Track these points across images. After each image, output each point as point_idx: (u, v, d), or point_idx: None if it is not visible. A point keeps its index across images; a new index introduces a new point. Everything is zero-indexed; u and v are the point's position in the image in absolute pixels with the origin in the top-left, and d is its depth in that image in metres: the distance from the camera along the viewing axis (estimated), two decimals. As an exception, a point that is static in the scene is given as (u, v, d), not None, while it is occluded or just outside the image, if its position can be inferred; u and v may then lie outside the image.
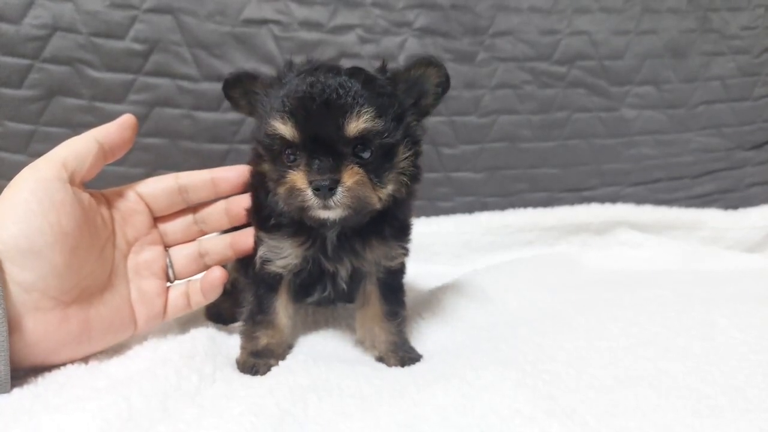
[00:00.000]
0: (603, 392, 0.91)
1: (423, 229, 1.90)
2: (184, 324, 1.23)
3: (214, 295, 1.17)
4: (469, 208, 2.05)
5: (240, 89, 1.13)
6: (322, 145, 0.97)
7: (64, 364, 0.99)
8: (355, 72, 1.02)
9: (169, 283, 1.18)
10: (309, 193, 0.96)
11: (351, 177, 0.96)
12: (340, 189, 0.96)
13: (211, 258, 1.20)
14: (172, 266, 1.17)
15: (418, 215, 1.97)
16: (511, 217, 2.01)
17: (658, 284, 1.52)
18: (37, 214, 0.92)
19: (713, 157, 2.23)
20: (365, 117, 0.95)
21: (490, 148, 2.04)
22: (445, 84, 1.08)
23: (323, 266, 1.13)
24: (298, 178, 0.98)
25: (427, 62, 1.06)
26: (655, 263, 1.86)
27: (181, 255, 1.19)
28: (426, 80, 1.07)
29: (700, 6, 2.12)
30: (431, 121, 1.93)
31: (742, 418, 0.84)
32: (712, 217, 2.14)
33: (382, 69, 1.08)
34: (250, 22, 1.82)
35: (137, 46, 1.76)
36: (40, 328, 0.93)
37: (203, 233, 1.22)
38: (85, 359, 1.02)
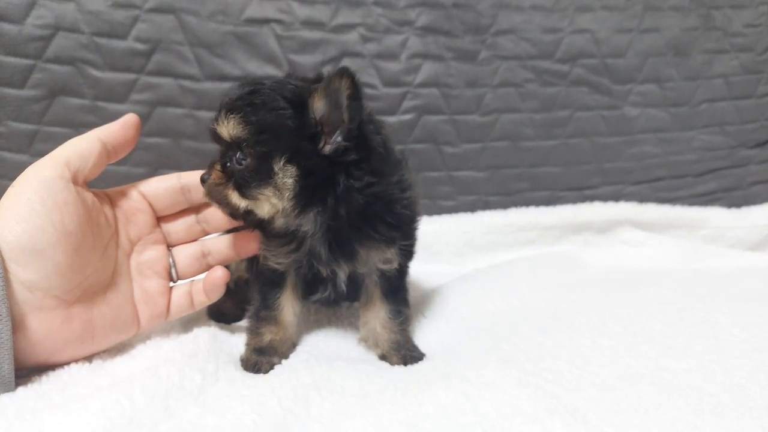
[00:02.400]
0: (605, 390, 0.92)
1: (425, 228, 1.87)
2: (187, 323, 1.23)
3: (217, 295, 1.17)
4: (471, 207, 2.05)
5: None
6: (221, 147, 1.08)
7: (67, 363, 0.99)
8: (257, 83, 1.04)
9: (172, 283, 1.18)
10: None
11: (213, 174, 1.07)
12: (206, 183, 1.08)
13: (214, 258, 1.20)
14: (175, 266, 1.18)
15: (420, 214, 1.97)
16: (513, 216, 2.01)
17: (660, 283, 1.52)
18: (40, 214, 0.92)
19: (716, 156, 2.23)
20: (231, 122, 1.01)
21: (492, 146, 2.04)
22: (354, 96, 0.97)
23: (319, 271, 1.14)
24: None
25: (340, 73, 0.95)
26: (657, 262, 1.86)
27: (184, 255, 1.19)
28: (340, 93, 0.97)
29: (702, 4, 2.12)
30: (433, 119, 1.97)
31: (744, 416, 0.84)
32: (714, 215, 2.13)
33: (312, 80, 1.07)
34: (251, 21, 1.82)
35: (139, 46, 1.76)
36: (44, 327, 0.93)
37: (206, 233, 1.23)
38: (88, 358, 1.03)
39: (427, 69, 1.95)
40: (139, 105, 1.79)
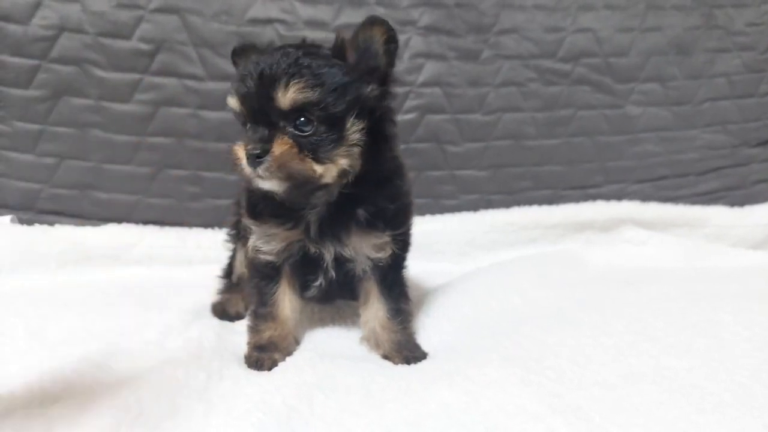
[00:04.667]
0: (607, 389, 0.92)
1: (427, 227, 1.91)
2: (191, 321, 1.24)
3: None
4: (474, 206, 2.05)
5: (245, 59, 1.12)
6: (262, 118, 1.00)
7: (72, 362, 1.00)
8: (298, 47, 1.03)
9: None
10: (244, 161, 0.99)
11: (279, 147, 0.97)
12: (267, 158, 0.97)
13: None
14: None
15: (423, 213, 1.98)
16: (515, 215, 2.01)
17: (663, 281, 1.52)
18: None
19: (718, 154, 2.23)
20: (295, 88, 0.96)
21: (495, 145, 2.04)
22: (392, 39, 1.03)
23: (308, 250, 1.12)
24: (239, 148, 1.00)
25: (371, 22, 1.02)
26: (659, 260, 1.86)
27: None
28: (373, 41, 1.02)
29: (704, 2, 2.12)
30: (435, 119, 1.97)
31: (747, 415, 0.84)
32: (716, 214, 2.13)
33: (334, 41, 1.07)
34: (255, 21, 1.83)
35: (143, 46, 1.77)
36: None
37: None
38: (94, 356, 1.03)
39: (430, 68, 1.95)
40: (143, 105, 1.80)
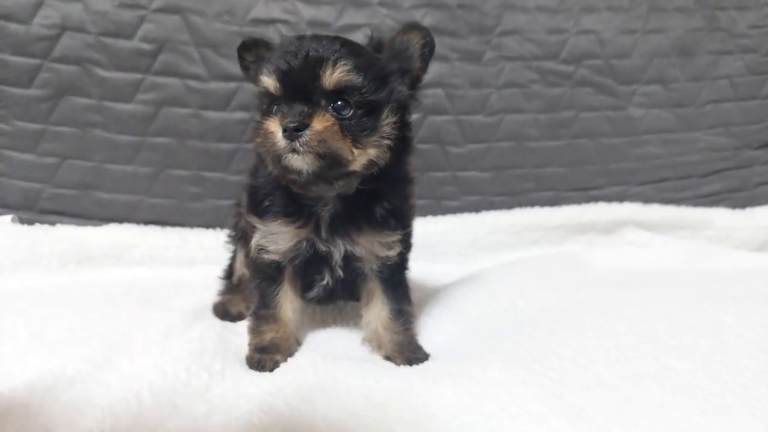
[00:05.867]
0: (610, 390, 0.92)
1: (430, 229, 1.91)
2: (193, 321, 1.24)
3: None
4: (476, 208, 2.05)
5: (253, 54, 1.14)
6: (301, 96, 0.99)
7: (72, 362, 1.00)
8: (339, 36, 1.04)
9: None
10: (279, 134, 0.97)
11: (320, 123, 0.97)
12: (307, 132, 0.96)
13: None
14: None
15: (425, 214, 1.98)
16: (517, 216, 2.01)
17: (665, 283, 1.52)
18: None
19: (721, 156, 2.23)
20: (341, 69, 0.97)
21: (497, 147, 2.04)
22: (430, 45, 1.07)
23: (317, 249, 1.11)
24: (272, 122, 0.99)
25: (410, 27, 1.07)
26: (661, 262, 1.85)
27: None
28: (410, 44, 1.06)
29: (707, 5, 2.12)
30: (438, 120, 1.97)
31: (750, 416, 0.84)
32: (719, 216, 2.13)
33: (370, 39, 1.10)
34: (257, 21, 1.83)
35: (145, 46, 1.77)
36: None
37: None
38: (95, 355, 1.03)
39: (432, 69, 1.92)
40: (145, 105, 1.80)
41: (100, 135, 1.78)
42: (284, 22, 1.84)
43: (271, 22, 1.84)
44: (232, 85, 1.82)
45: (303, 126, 0.96)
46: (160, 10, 1.76)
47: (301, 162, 0.98)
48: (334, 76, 0.97)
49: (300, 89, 0.99)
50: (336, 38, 1.03)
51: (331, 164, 0.99)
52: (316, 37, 1.02)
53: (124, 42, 1.76)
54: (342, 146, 0.98)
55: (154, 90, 1.80)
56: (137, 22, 1.75)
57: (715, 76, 2.17)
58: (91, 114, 1.77)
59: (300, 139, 0.96)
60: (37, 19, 1.70)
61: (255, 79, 1.07)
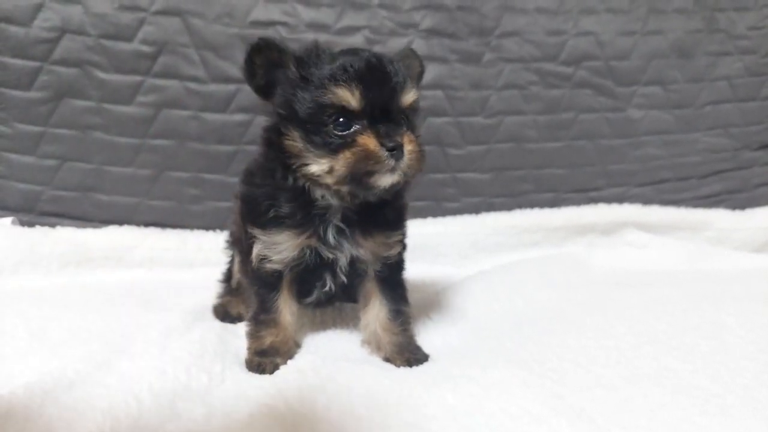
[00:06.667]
0: (610, 391, 0.92)
1: (429, 230, 1.91)
2: (193, 322, 1.24)
3: None
4: (476, 209, 2.05)
5: (264, 57, 1.06)
6: (381, 114, 1.00)
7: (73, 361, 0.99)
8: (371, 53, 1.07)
9: None
10: (384, 154, 0.98)
11: (409, 143, 1.00)
12: (405, 151, 0.99)
13: None
14: None
15: (425, 216, 1.98)
16: (517, 218, 2.01)
17: (665, 284, 1.52)
18: None
19: (720, 158, 2.23)
20: (413, 90, 1.03)
21: (497, 148, 2.04)
22: (422, 74, 1.18)
23: (323, 256, 1.11)
24: (369, 141, 0.98)
25: (410, 53, 1.16)
26: (661, 263, 1.85)
27: None
28: (412, 69, 1.12)
29: (706, 6, 2.12)
30: (437, 122, 1.97)
31: (751, 417, 0.84)
32: (718, 217, 2.13)
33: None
34: (257, 23, 1.83)
35: (145, 48, 1.77)
36: None
37: None
38: (94, 357, 1.03)
39: (432, 71, 1.95)
40: (145, 107, 1.80)
41: (100, 137, 1.78)
42: (284, 24, 1.84)
43: (271, 24, 1.84)
44: (231, 87, 1.82)
45: (398, 147, 0.98)
46: (160, 12, 1.76)
47: (393, 179, 1.00)
48: (410, 95, 1.02)
49: (382, 107, 1.00)
50: (391, 56, 1.06)
51: (409, 177, 1.03)
52: (377, 54, 1.04)
53: (123, 44, 1.76)
54: (423, 164, 1.03)
55: (153, 92, 1.80)
56: (137, 24, 1.76)
57: (715, 78, 2.17)
58: (91, 116, 1.77)
59: (401, 161, 0.99)
60: (37, 21, 1.70)
61: (261, 85, 1.06)
